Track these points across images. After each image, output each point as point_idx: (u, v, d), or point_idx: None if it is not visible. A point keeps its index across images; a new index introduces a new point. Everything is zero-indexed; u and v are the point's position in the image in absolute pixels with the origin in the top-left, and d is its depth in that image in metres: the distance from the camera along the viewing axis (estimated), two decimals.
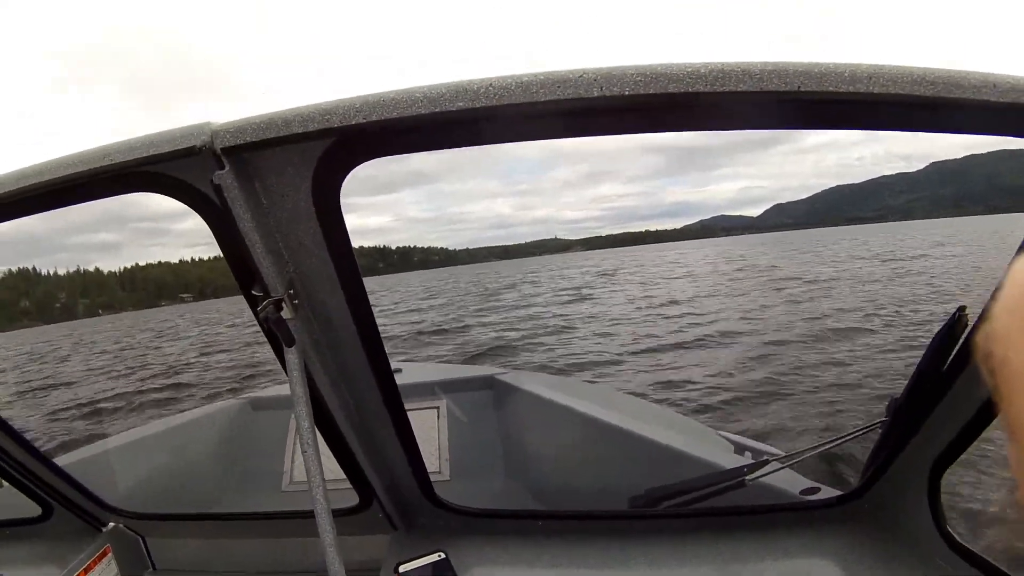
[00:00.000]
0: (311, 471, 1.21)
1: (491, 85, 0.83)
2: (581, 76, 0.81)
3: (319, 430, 1.41)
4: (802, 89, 0.79)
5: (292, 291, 1.13)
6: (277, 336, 1.13)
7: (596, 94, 0.81)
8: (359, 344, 1.30)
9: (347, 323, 1.25)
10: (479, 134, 0.93)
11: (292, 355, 1.16)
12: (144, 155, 0.92)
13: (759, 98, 0.81)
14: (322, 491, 1.22)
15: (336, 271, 1.14)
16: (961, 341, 1.26)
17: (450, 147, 0.97)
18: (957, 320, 1.26)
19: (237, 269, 1.10)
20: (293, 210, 1.05)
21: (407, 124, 0.87)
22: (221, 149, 0.91)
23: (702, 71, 0.79)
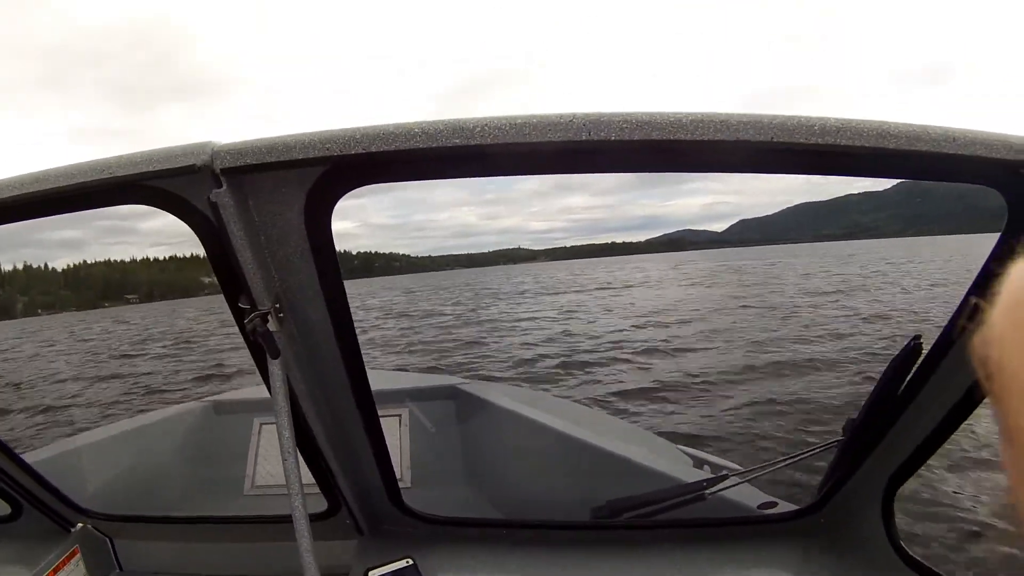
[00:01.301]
0: (290, 478, 1.25)
1: (486, 124, 0.89)
2: (571, 121, 0.88)
3: None
4: (775, 140, 0.88)
5: (278, 305, 1.17)
6: (262, 347, 1.17)
7: (584, 138, 0.88)
8: (339, 357, 1.35)
9: (329, 338, 1.30)
10: (471, 168, 1.00)
11: (276, 367, 1.20)
12: (145, 170, 0.96)
13: (734, 147, 0.90)
14: (300, 498, 1.26)
15: (322, 287, 1.19)
16: (916, 368, 1.35)
17: (442, 178, 1.03)
18: (912, 348, 1.35)
19: (226, 282, 1.14)
20: (284, 228, 1.10)
21: (403, 157, 0.93)
22: (221, 169, 0.96)
23: (683, 120, 0.87)
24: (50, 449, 2.94)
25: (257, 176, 1.01)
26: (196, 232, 1.09)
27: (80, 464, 2.77)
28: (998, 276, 1.08)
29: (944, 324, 1.24)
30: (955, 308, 1.20)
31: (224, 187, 0.97)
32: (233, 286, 1.14)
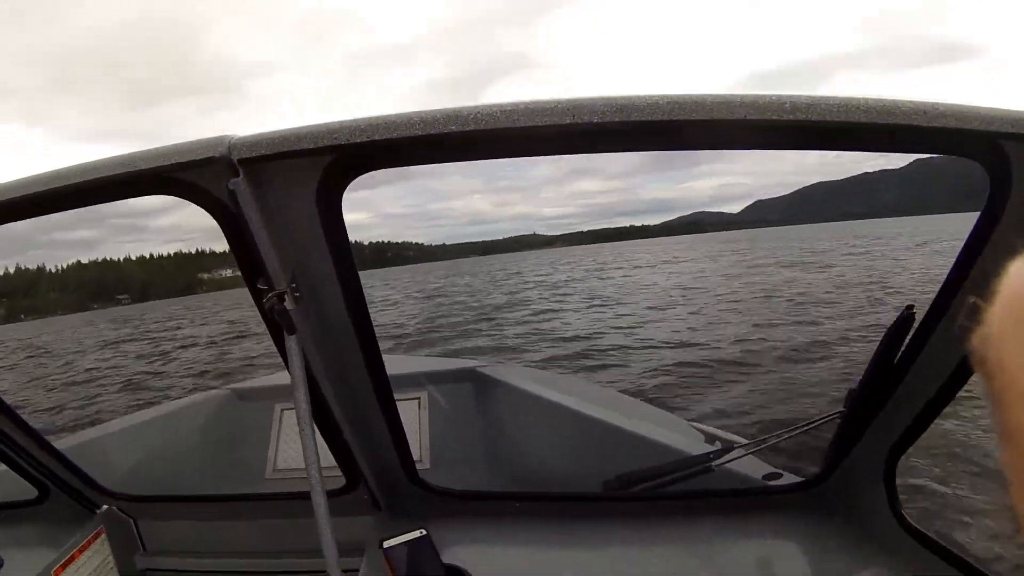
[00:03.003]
0: (307, 451, 1.32)
1: (479, 112, 0.96)
2: (556, 106, 0.94)
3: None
4: (747, 118, 0.93)
5: (294, 285, 1.25)
6: (279, 325, 1.25)
7: (568, 121, 0.95)
8: (353, 333, 1.42)
9: (343, 315, 1.38)
10: (466, 152, 1.08)
11: (292, 343, 1.27)
12: (168, 163, 1.04)
13: (709, 126, 0.96)
14: (317, 470, 1.34)
15: (335, 268, 1.27)
16: (909, 337, 1.40)
17: (440, 162, 1.11)
18: (906, 318, 1.39)
19: (245, 265, 1.23)
20: (298, 214, 1.18)
21: (404, 143, 1.01)
22: (238, 160, 1.04)
23: (659, 103, 0.93)
24: (76, 436, 3.04)
25: (271, 165, 1.09)
26: (216, 219, 1.17)
27: (104, 449, 2.86)
28: (981, 251, 1.13)
29: (935, 293, 1.28)
30: (945, 276, 1.24)
31: (241, 176, 1.05)
32: (252, 269, 1.23)
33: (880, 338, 1.47)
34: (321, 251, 1.24)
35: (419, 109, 1.00)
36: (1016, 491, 0.42)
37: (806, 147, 1.04)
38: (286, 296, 1.22)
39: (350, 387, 1.58)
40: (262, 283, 1.23)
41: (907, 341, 1.41)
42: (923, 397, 1.44)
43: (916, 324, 1.38)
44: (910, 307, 1.40)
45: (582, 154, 1.09)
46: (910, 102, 0.93)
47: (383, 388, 1.60)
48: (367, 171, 1.12)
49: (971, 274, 1.18)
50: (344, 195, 1.16)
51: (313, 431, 1.33)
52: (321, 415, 1.58)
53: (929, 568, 1.49)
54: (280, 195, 1.15)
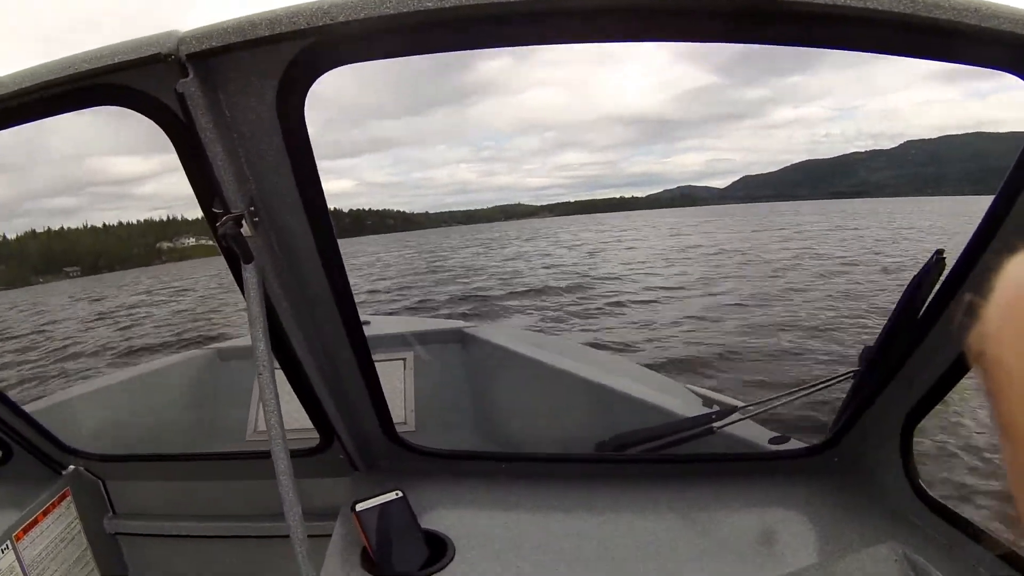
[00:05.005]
0: (266, 395, 1.22)
1: None
2: None
3: (277, 359, 1.43)
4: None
5: (253, 208, 1.13)
6: (236, 253, 1.14)
7: None
8: (320, 267, 1.31)
9: (308, 244, 1.26)
10: (451, 38, 0.94)
11: (249, 272, 1.16)
12: (109, 63, 0.92)
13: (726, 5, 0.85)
14: (277, 420, 1.23)
15: (299, 190, 1.15)
16: (938, 286, 1.29)
17: (419, 53, 0.98)
18: (934, 264, 1.30)
19: (198, 185, 1.11)
20: (256, 123, 1.05)
21: (375, 26, 0.87)
22: (186, 56, 0.91)
23: None
24: (49, 397, 2.97)
25: (225, 62, 0.97)
26: (165, 131, 1.05)
27: (77, 409, 2.79)
28: None
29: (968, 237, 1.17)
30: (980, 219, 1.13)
31: (191, 76, 0.93)
32: (205, 189, 1.11)
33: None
34: (284, 170, 1.12)
35: None
36: (1016, 488, 0.42)
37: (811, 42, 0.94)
38: (244, 221, 1.10)
39: (319, 330, 1.47)
40: (217, 206, 1.10)
41: (935, 291, 1.30)
42: (949, 356, 1.32)
43: (945, 271, 1.28)
44: (939, 252, 1.30)
45: (605, 42, 0.96)
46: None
47: (355, 333, 1.49)
48: (332, 66, 1.00)
49: (1014, 207, 1.06)
50: (307, 100, 1.04)
51: (272, 374, 1.22)
52: (287, 361, 1.48)
53: (948, 541, 1.39)
54: (236, 98, 1.03)
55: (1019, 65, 0.91)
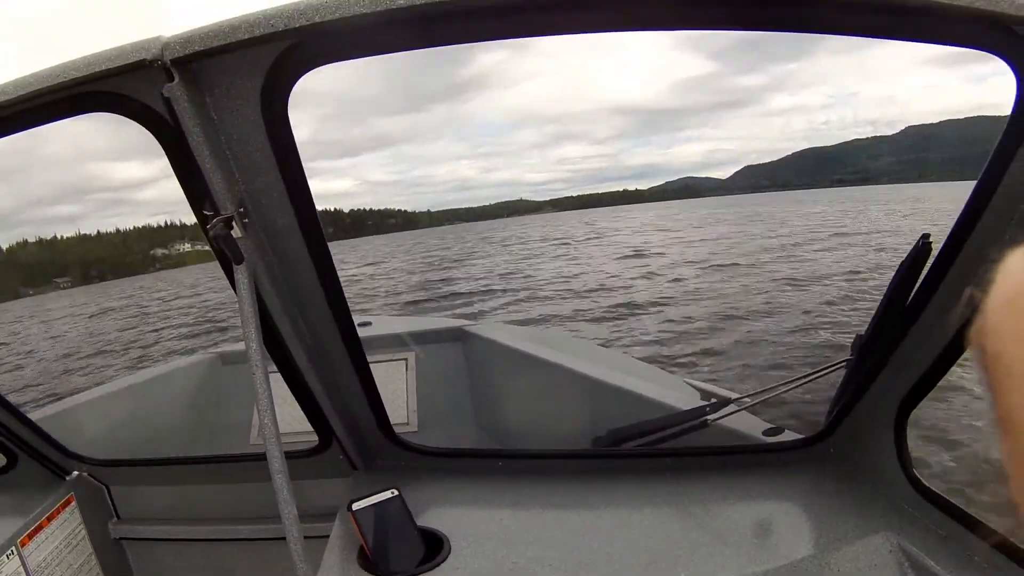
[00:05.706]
0: (260, 395, 1.23)
1: None
2: None
3: (274, 361, 1.45)
4: None
5: (243, 209, 1.15)
6: (227, 255, 1.15)
7: None
8: (311, 266, 1.33)
9: (298, 244, 1.28)
10: (432, 34, 0.96)
11: (241, 273, 1.18)
12: (96, 70, 0.94)
13: None
14: (271, 419, 1.25)
15: (287, 189, 1.17)
16: (926, 270, 1.29)
17: (401, 49, 0.99)
18: (921, 249, 1.29)
19: (188, 188, 1.13)
20: (243, 125, 1.08)
21: (355, 24, 0.89)
22: (171, 61, 0.94)
23: None
24: (54, 405, 2.97)
25: (209, 65, 0.99)
26: (155, 135, 1.08)
27: (80, 415, 2.80)
28: (1008, 164, 1.01)
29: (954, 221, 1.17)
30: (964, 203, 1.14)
31: (176, 80, 0.96)
32: (195, 191, 1.13)
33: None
34: (270, 169, 1.14)
35: None
36: (1015, 482, 0.42)
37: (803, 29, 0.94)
38: (234, 222, 1.12)
39: (312, 330, 1.48)
40: (208, 208, 1.12)
41: (923, 276, 1.30)
42: (940, 340, 1.32)
43: (932, 255, 1.28)
44: (926, 236, 1.30)
45: (599, 32, 0.96)
46: None
47: (348, 330, 1.50)
48: (314, 65, 1.02)
49: (998, 189, 1.07)
50: (290, 101, 1.06)
51: (266, 373, 1.24)
52: (283, 361, 1.50)
53: (943, 531, 1.40)
54: (221, 101, 1.05)
55: (999, 46, 0.92)
